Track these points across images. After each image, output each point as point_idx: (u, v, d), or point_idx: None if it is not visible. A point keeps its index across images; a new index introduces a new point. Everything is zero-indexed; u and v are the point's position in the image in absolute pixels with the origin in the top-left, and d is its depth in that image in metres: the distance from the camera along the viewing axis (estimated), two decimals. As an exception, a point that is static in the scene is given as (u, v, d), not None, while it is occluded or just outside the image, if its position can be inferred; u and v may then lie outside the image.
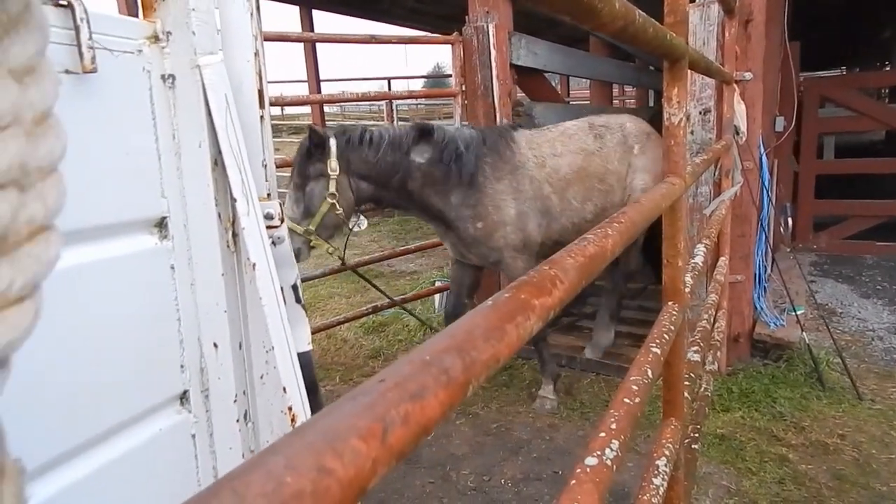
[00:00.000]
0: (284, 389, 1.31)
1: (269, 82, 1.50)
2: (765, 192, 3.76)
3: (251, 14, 1.41)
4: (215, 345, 1.40)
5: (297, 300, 1.47)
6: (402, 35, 5.65)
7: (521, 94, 4.43)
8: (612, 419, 0.95)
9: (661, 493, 1.24)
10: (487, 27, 3.81)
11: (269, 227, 1.41)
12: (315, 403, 1.37)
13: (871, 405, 3.16)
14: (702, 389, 2.76)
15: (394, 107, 11.49)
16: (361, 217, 3.10)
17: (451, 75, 4.22)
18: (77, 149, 1.12)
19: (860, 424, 2.98)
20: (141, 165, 1.28)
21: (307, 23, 8.76)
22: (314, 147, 2.80)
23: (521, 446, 3.02)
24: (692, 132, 3.28)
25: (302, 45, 8.82)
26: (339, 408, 0.36)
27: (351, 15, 8.96)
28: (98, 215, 1.19)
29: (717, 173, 3.23)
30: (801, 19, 5.95)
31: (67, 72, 1.11)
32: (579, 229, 3.23)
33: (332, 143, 2.80)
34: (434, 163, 3.00)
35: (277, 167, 1.80)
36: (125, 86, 1.23)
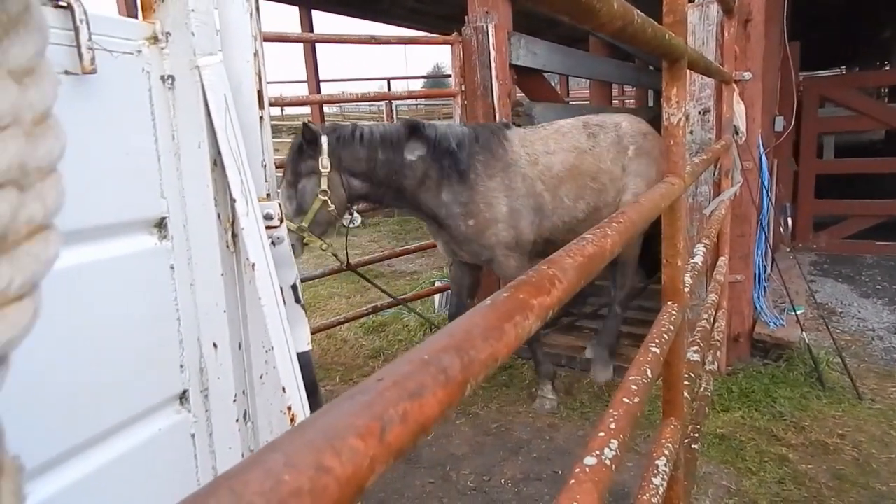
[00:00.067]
0: (284, 389, 1.31)
1: (268, 83, 1.50)
2: (764, 191, 3.76)
3: (250, 15, 1.41)
4: (215, 345, 1.41)
5: (297, 300, 1.47)
6: (401, 35, 5.66)
7: (520, 95, 4.43)
8: (612, 419, 0.95)
9: (660, 492, 1.24)
10: (487, 27, 3.81)
11: (268, 228, 1.41)
12: (315, 403, 1.37)
13: (870, 405, 3.16)
14: (702, 389, 2.76)
15: (393, 107, 11.50)
16: (355, 213, 3.11)
17: (450, 75, 4.23)
18: (77, 149, 1.13)
19: (860, 424, 2.98)
20: (140, 166, 1.28)
21: (307, 23, 8.76)
22: (307, 143, 2.82)
23: (521, 446, 3.02)
24: (691, 132, 3.28)
25: (301, 45, 8.83)
26: (338, 406, 0.36)
27: (350, 15, 8.96)
28: (98, 215, 1.19)
29: (716, 173, 3.23)
30: (801, 19, 5.96)
31: (67, 73, 1.11)
32: (571, 227, 3.23)
33: (324, 140, 2.81)
34: (425, 160, 3.00)
35: (277, 167, 1.81)
36: (125, 87, 1.24)
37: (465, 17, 3.93)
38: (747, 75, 3.26)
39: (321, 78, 9.50)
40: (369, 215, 8.57)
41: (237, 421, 1.44)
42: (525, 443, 3.05)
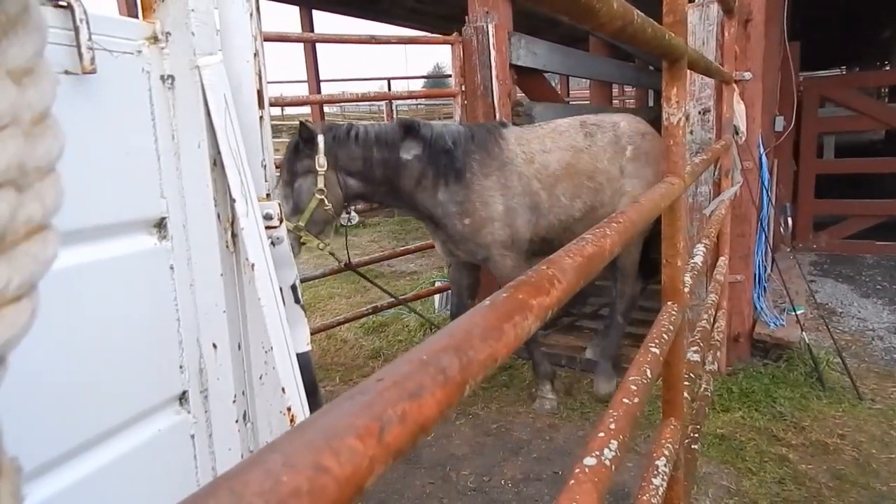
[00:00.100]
0: (283, 390, 1.31)
1: (268, 83, 1.50)
2: (764, 191, 3.76)
3: (251, 14, 1.41)
4: (214, 345, 1.41)
5: (297, 301, 1.48)
6: (401, 35, 5.65)
7: (520, 95, 4.43)
8: (611, 419, 0.95)
9: (660, 493, 1.24)
10: (487, 27, 3.81)
11: (268, 228, 1.41)
12: (314, 404, 1.37)
13: (871, 405, 3.16)
14: (702, 389, 2.76)
15: (394, 107, 11.50)
16: (352, 212, 3.11)
17: (450, 75, 4.23)
18: (77, 149, 1.13)
19: (860, 424, 2.98)
20: (140, 166, 1.28)
21: (307, 23, 8.77)
22: (303, 142, 2.82)
23: (521, 447, 3.02)
24: (691, 132, 3.28)
25: (302, 45, 8.83)
26: (337, 407, 0.36)
27: (351, 15, 8.96)
28: (97, 215, 1.19)
29: (716, 173, 3.23)
30: (801, 19, 5.96)
31: (67, 72, 1.11)
32: (568, 226, 3.22)
33: (320, 139, 2.81)
34: (421, 159, 3.00)
35: (277, 168, 1.80)
36: (124, 86, 1.24)
37: (466, 17, 3.93)
38: (747, 75, 3.26)
39: (321, 78, 9.50)
40: (369, 215, 8.58)
41: (237, 422, 1.44)
42: (525, 443, 3.05)
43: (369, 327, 4.62)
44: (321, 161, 2.80)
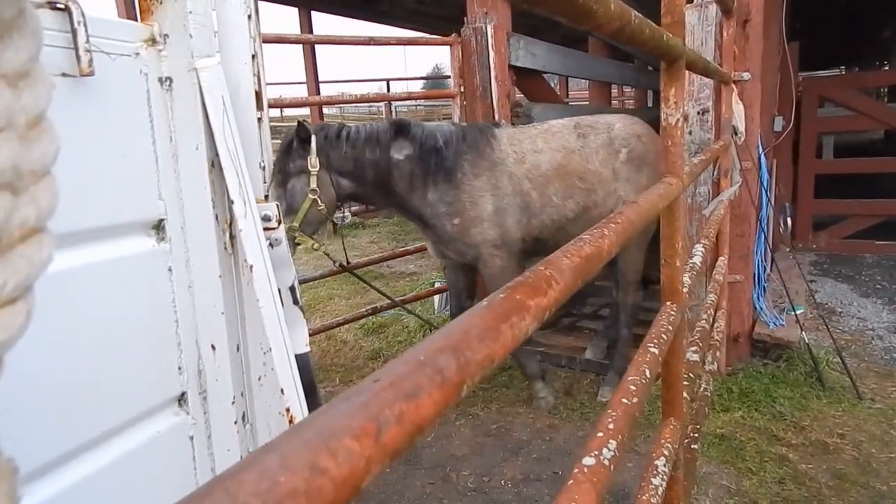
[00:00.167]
0: (282, 391, 1.31)
1: (267, 84, 1.51)
2: (763, 191, 3.76)
3: (249, 16, 1.42)
4: (213, 347, 1.41)
5: (295, 302, 1.48)
6: (400, 36, 5.66)
7: (519, 95, 4.43)
8: (610, 419, 0.95)
9: (660, 493, 1.24)
10: (486, 28, 3.81)
11: (266, 229, 1.41)
12: (313, 405, 1.37)
13: (870, 404, 3.16)
14: (701, 389, 2.76)
15: (393, 108, 11.51)
16: (346, 211, 3.11)
17: (449, 76, 4.23)
18: (75, 151, 1.13)
19: (860, 424, 2.98)
20: (138, 168, 1.28)
21: (306, 24, 8.78)
22: (301, 141, 2.82)
23: (520, 447, 3.02)
24: (690, 132, 3.28)
25: (301, 46, 8.84)
26: (334, 407, 0.36)
27: (350, 16, 8.97)
28: (96, 217, 1.19)
29: (715, 173, 3.23)
30: (801, 19, 5.97)
31: (65, 75, 1.11)
32: (561, 226, 3.21)
33: (313, 139, 2.82)
34: (412, 159, 3.00)
35: (276, 169, 1.80)
36: (122, 89, 1.24)
37: (465, 19, 3.94)
38: (746, 76, 3.26)
39: (320, 79, 9.51)
40: (369, 216, 8.58)
41: (236, 423, 1.44)
42: (525, 443, 3.05)
43: (369, 328, 4.62)
44: (313, 161, 2.80)
